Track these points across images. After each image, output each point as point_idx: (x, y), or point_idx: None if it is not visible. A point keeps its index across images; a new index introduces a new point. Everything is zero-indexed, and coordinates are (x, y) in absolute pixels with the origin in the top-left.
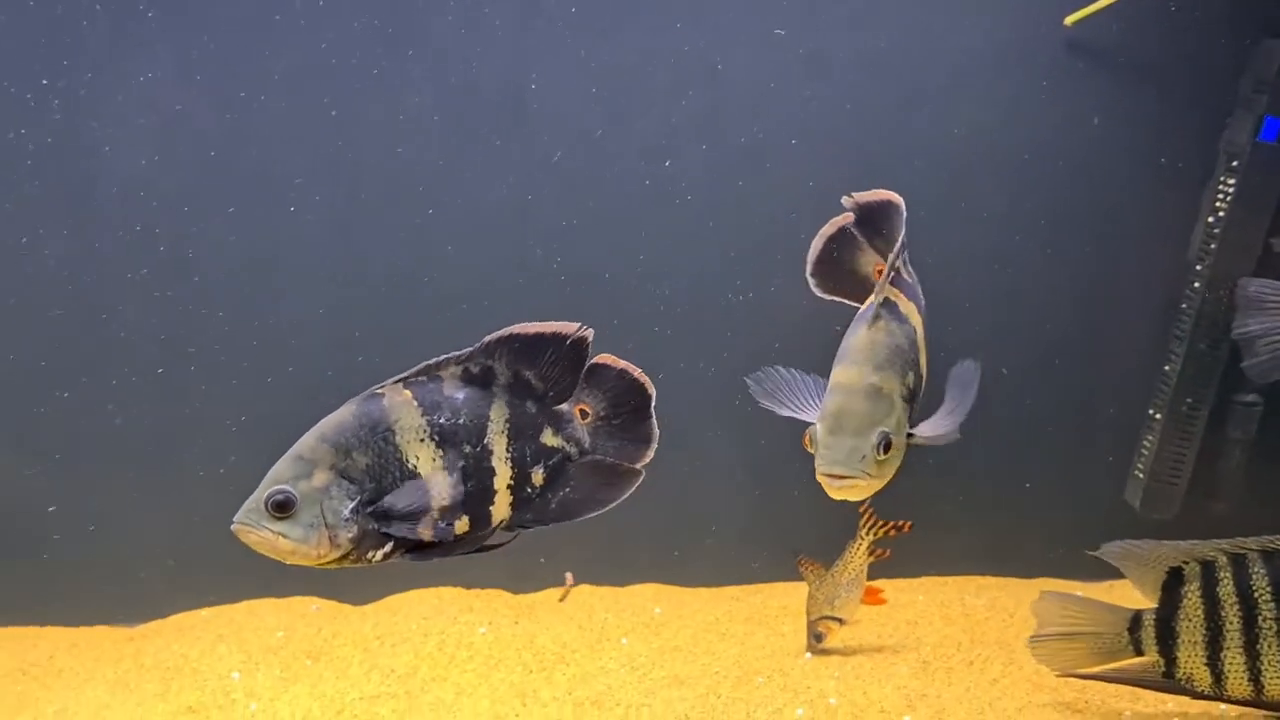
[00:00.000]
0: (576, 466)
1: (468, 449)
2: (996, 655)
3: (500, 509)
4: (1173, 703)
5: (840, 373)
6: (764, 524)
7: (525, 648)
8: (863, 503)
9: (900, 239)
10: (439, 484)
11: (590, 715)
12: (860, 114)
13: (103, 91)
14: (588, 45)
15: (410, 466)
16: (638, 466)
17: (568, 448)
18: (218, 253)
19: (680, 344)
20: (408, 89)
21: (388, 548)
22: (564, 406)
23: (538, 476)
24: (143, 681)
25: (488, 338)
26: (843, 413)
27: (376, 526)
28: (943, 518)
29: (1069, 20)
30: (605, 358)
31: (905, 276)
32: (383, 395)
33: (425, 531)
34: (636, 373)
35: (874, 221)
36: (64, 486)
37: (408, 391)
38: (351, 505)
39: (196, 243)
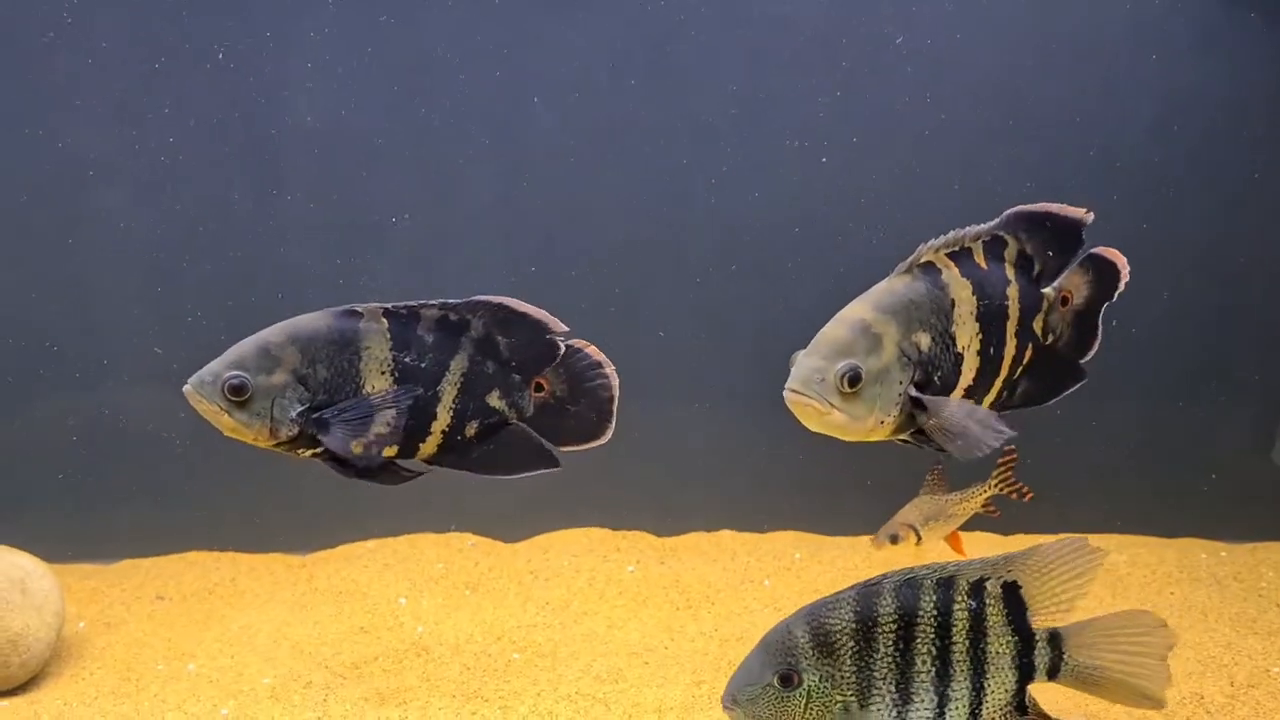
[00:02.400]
0: (509, 430)
1: (420, 390)
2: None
3: (428, 448)
4: None
5: (844, 308)
6: (906, 477)
7: (672, 586)
8: (1006, 454)
9: (988, 228)
10: (383, 414)
11: (735, 651)
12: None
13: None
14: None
15: (365, 391)
16: (561, 452)
17: (508, 413)
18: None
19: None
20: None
21: (318, 450)
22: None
23: (471, 429)
24: (318, 603)
25: (479, 297)
26: (821, 337)
27: (315, 432)
28: (1086, 478)
29: None
30: (584, 344)
31: (978, 261)
32: (361, 317)
33: (356, 448)
34: (608, 368)
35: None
36: None
37: (385, 321)
38: (300, 410)
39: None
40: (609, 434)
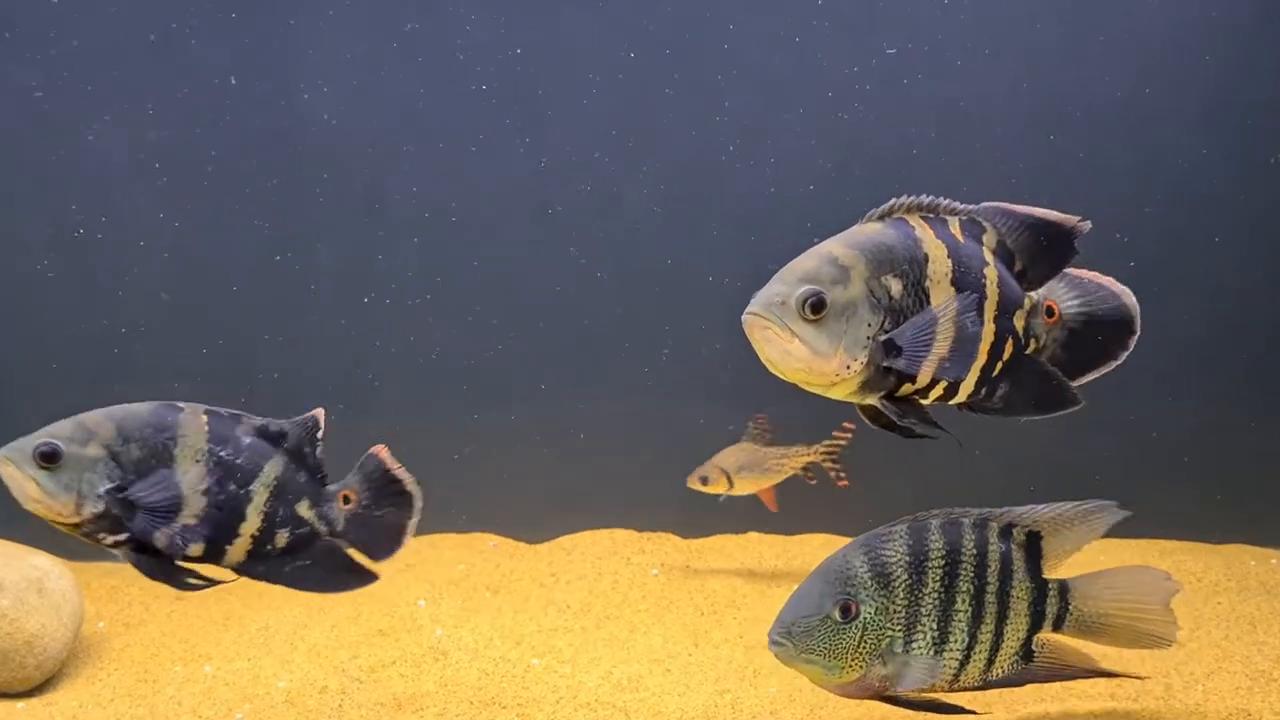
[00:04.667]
0: (321, 545)
1: (232, 487)
2: (1183, 619)
3: (236, 552)
4: None
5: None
6: (936, 481)
7: (697, 591)
8: (844, 431)
9: (966, 207)
10: (193, 503)
11: (761, 659)
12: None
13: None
14: None
15: (176, 478)
16: (375, 566)
17: (318, 525)
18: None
19: None
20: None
21: (121, 536)
22: (331, 487)
23: (281, 538)
24: (337, 605)
25: (306, 415)
26: (788, 266)
27: (119, 513)
28: (1129, 479)
29: None
30: (380, 451)
31: (957, 234)
32: (182, 410)
33: (160, 537)
34: (404, 477)
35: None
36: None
37: (205, 417)
38: (109, 486)
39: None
40: (406, 539)
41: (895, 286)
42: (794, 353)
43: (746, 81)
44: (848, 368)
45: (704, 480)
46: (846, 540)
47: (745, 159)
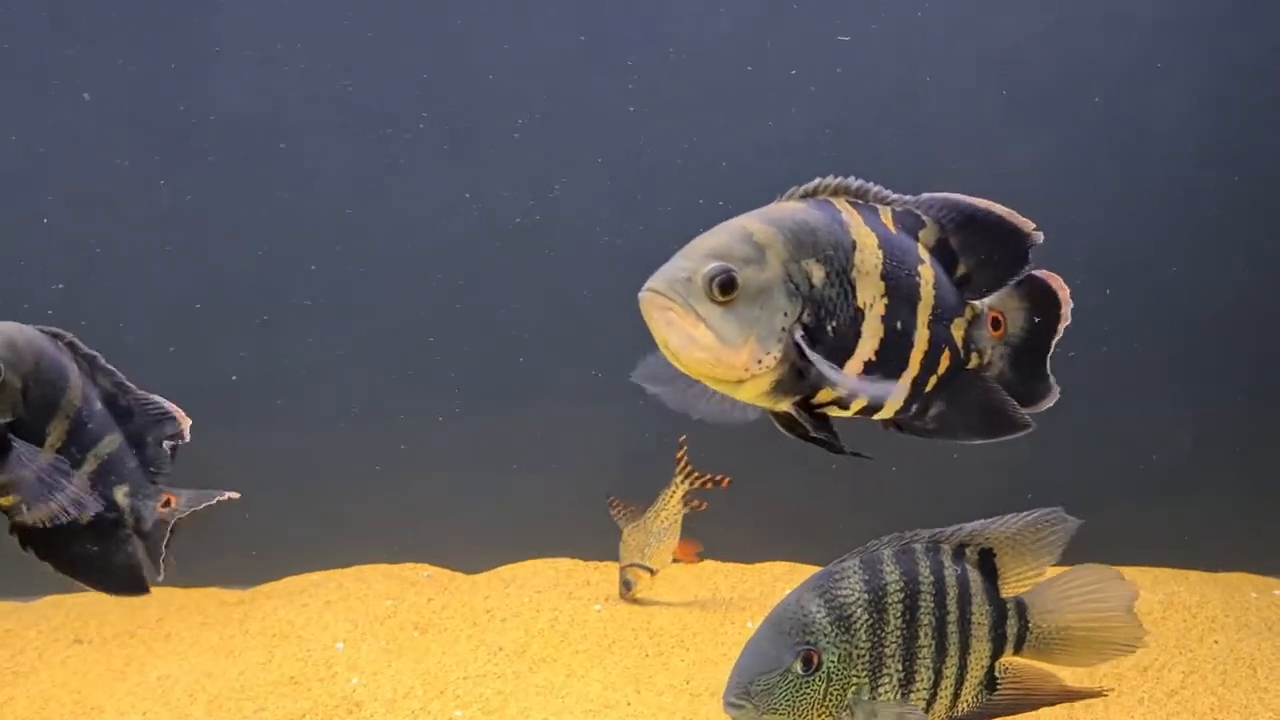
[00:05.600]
0: (118, 537)
1: (74, 449)
2: (1176, 662)
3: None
4: None
5: None
6: (916, 504)
7: (643, 628)
8: (680, 449)
9: (901, 198)
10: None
11: (707, 710)
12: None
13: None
14: None
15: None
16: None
17: (127, 516)
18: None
19: None
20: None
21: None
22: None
23: (84, 517)
24: (247, 648)
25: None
26: (694, 241)
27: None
28: (1120, 499)
29: None
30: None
31: (888, 224)
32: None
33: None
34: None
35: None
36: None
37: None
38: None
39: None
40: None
41: (817, 273)
42: (699, 339)
43: (698, 92)
44: (759, 362)
45: (629, 586)
46: (810, 567)
47: (692, 170)
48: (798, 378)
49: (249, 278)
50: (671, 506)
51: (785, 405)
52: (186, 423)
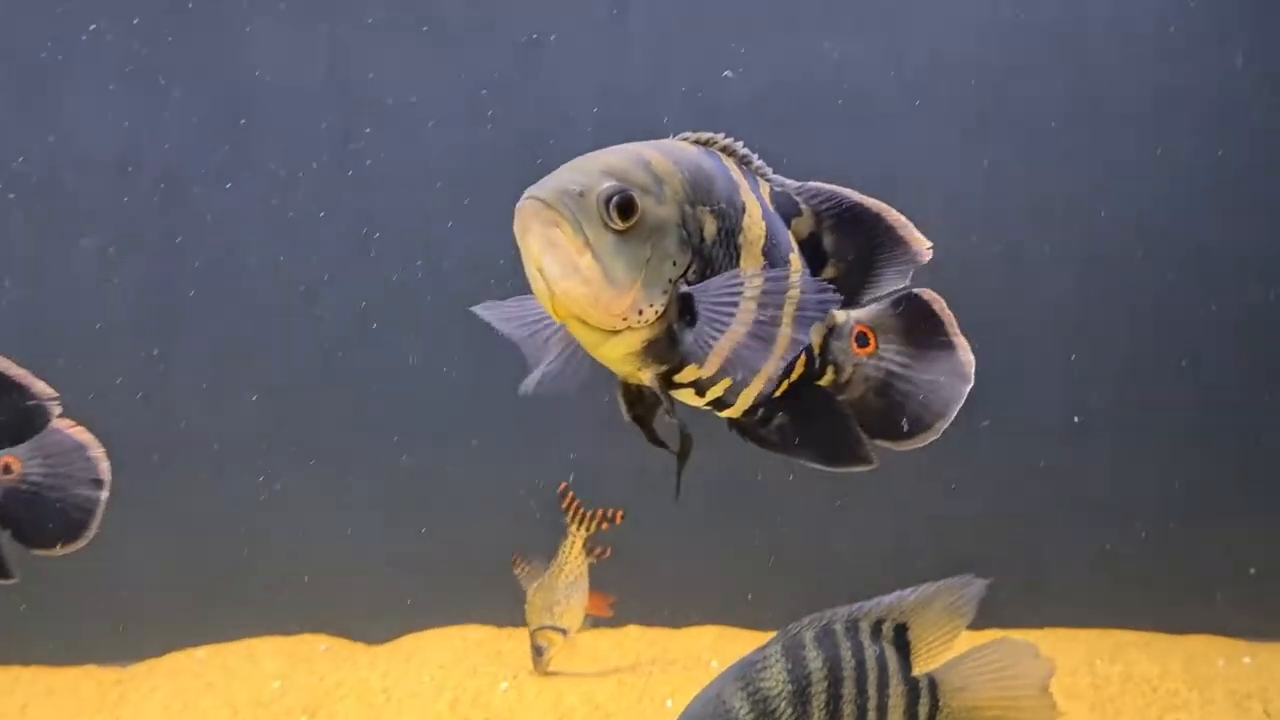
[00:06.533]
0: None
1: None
2: None
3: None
4: None
5: None
6: (843, 557)
7: (551, 709)
8: (565, 496)
9: (782, 179)
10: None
11: None
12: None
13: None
14: None
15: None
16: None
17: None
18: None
19: None
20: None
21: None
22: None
23: None
24: None
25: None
26: (583, 157)
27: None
28: (1075, 556)
29: None
30: (70, 425)
31: (766, 200)
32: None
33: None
34: (95, 451)
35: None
36: None
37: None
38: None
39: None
40: (89, 535)
41: (710, 226)
42: (582, 270)
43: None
44: (640, 313)
45: (541, 652)
46: (739, 633)
47: None
48: (670, 343)
49: (127, 329)
50: (574, 559)
51: (647, 375)
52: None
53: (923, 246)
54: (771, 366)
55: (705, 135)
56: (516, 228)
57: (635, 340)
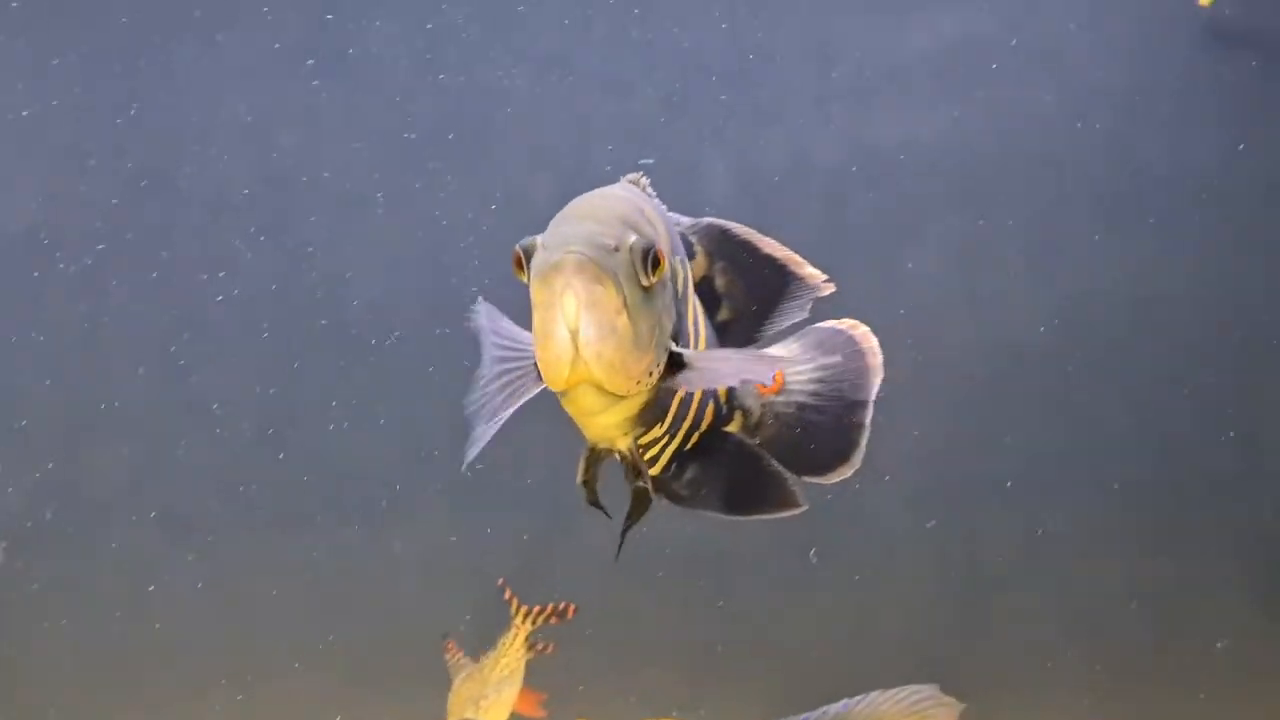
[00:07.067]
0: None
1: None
2: None
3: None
4: None
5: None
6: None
7: None
8: (504, 590)
9: (678, 216)
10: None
11: None
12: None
13: None
14: None
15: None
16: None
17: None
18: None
19: None
20: None
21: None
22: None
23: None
24: None
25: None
26: (582, 204)
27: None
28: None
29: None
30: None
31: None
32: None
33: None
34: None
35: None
36: None
37: None
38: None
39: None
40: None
41: (679, 277)
42: (619, 330)
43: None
44: (650, 374)
45: None
46: None
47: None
48: (657, 405)
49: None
50: (513, 652)
51: (626, 441)
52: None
53: (818, 280)
54: (684, 426)
55: (635, 176)
56: (553, 283)
57: (635, 405)
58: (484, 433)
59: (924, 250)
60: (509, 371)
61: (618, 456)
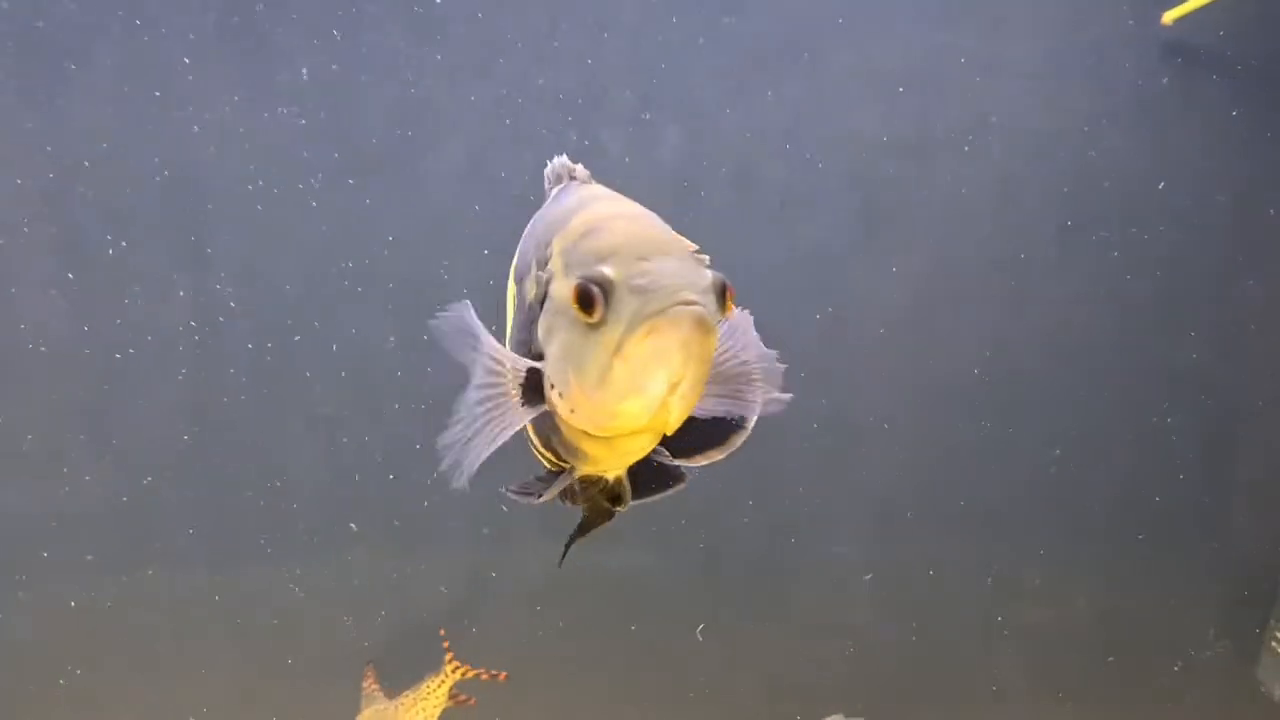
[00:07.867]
0: None
1: None
2: None
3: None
4: None
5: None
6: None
7: None
8: (444, 640)
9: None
10: None
11: None
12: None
13: None
14: None
15: None
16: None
17: None
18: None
19: None
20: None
21: None
22: None
23: None
24: None
25: None
26: (655, 234)
27: None
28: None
29: (1167, 18)
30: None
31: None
32: None
33: None
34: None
35: None
36: None
37: None
38: None
39: None
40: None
41: None
42: (704, 378)
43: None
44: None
45: None
46: None
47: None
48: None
49: None
50: (435, 697)
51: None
52: None
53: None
54: None
55: (581, 171)
56: (668, 337)
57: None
58: (472, 463)
59: (878, 278)
60: (492, 397)
61: (585, 481)
